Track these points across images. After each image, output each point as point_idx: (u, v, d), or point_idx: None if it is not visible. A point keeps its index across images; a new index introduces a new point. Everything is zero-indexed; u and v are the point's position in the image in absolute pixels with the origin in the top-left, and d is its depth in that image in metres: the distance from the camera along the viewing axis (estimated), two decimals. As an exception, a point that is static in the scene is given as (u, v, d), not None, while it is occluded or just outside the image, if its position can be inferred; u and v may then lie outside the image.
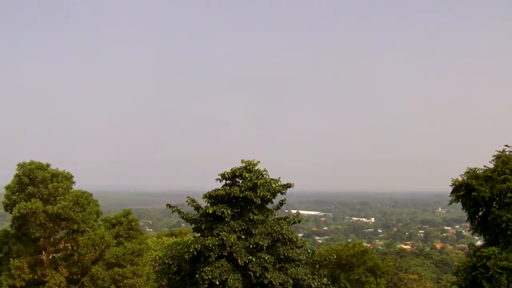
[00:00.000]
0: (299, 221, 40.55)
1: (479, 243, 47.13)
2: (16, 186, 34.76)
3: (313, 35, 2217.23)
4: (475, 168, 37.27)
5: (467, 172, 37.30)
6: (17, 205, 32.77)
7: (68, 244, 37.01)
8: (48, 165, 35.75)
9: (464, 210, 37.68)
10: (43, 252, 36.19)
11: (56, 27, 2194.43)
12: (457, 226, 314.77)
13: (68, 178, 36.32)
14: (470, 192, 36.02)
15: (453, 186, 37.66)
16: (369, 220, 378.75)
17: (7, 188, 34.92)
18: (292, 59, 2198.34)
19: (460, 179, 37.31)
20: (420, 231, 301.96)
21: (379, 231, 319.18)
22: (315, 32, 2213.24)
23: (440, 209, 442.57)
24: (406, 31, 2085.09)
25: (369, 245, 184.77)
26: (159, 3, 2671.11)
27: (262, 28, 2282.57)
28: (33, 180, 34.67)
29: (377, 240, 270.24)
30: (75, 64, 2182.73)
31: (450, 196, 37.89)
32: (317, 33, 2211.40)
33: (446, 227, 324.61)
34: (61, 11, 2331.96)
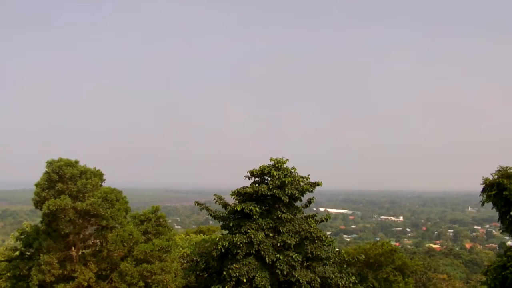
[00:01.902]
0: (327, 219, 40.40)
1: (509, 243, 46.53)
2: (46, 183, 35.03)
3: (314, 35, 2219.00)
4: (507, 167, 36.75)
5: (498, 171, 36.79)
6: (46, 202, 33.01)
7: (97, 240, 37.25)
8: (77, 162, 35.97)
9: (495, 210, 37.18)
10: (73, 248, 36.48)
11: (56, 27, 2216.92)
12: (487, 226, 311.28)
13: (97, 174, 36.50)
14: (501, 191, 35.52)
15: (484, 185, 37.20)
16: (398, 219, 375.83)
17: (37, 185, 35.21)
18: (293, 59, 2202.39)
19: (491, 178, 36.84)
20: (449, 231, 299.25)
21: (408, 230, 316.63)
22: (316, 33, 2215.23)
23: (470, 209, 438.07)
24: (411, 31, 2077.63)
25: (397, 244, 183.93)
26: (160, 4, 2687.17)
27: (262, 28, 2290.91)
28: (62, 177, 34.92)
29: (405, 239, 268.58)
30: (76, 65, 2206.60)
31: (480, 195, 37.39)
32: (318, 33, 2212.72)
33: (476, 227, 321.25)
34: (61, 10, 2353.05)
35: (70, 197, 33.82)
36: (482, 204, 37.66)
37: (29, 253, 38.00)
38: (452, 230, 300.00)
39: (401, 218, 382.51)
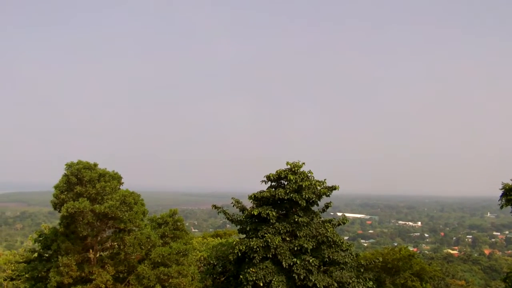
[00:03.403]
0: (344, 223, 40.24)
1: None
2: (65, 185, 35.24)
3: (315, 36, 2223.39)
4: (527, 173, 36.37)
5: (518, 177, 36.46)
6: (65, 205, 33.19)
7: (115, 243, 37.35)
8: (95, 165, 36.16)
9: None
10: (91, 250, 36.64)
11: (57, 27, 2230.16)
12: (507, 232, 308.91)
13: (116, 178, 36.65)
14: (521, 196, 35.24)
15: (503, 190, 36.91)
16: (416, 224, 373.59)
17: (56, 187, 35.43)
18: (294, 60, 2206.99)
19: (511, 183, 36.55)
20: (468, 236, 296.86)
21: (426, 235, 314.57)
22: (317, 34, 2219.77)
23: (488, 214, 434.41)
24: (411, 33, 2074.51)
25: (415, 249, 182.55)
26: (161, 5, 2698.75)
27: (264, 30, 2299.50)
28: (81, 179, 35.11)
29: (423, 245, 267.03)
30: (76, 65, 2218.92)
31: (499, 199, 37.10)
32: (319, 34, 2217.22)
33: (495, 233, 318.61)
34: (62, 11, 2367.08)
35: (88, 200, 33.99)
36: (501, 207, 37.36)
37: (47, 255, 38.24)
38: (470, 236, 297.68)
39: (419, 223, 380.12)
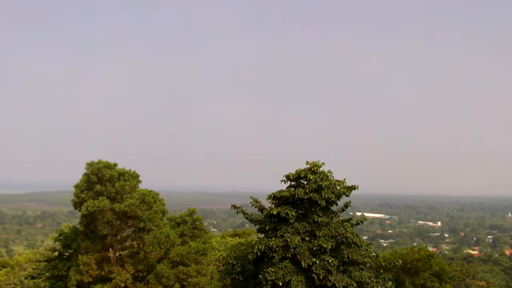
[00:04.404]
0: (362, 222, 40.12)
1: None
2: (85, 184, 35.42)
3: (314, 35, 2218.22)
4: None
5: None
6: (85, 203, 33.36)
7: (134, 242, 37.45)
8: (115, 164, 36.30)
9: None
10: (110, 249, 36.76)
11: (59, 28, 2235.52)
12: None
13: (135, 177, 36.79)
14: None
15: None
16: (435, 224, 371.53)
17: (76, 186, 35.63)
18: (293, 59, 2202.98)
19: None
20: (488, 237, 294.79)
21: (446, 235, 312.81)
22: (315, 32, 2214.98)
23: (510, 214, 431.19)
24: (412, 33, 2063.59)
25: (435, 249, 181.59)
26: (160, 5, 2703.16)
27: (263, 29, 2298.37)
28: (101, 178, 35.28)
29: (443, 245, 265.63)
30: (76, 66, 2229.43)
31: None
32: (319, 34, 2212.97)
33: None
34: (63, 11, 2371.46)
35: (108, 199, 34.15)
36: None
37: (67, 254, 38.42)
38: (491, 236, 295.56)
39: (439, 223, 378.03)
